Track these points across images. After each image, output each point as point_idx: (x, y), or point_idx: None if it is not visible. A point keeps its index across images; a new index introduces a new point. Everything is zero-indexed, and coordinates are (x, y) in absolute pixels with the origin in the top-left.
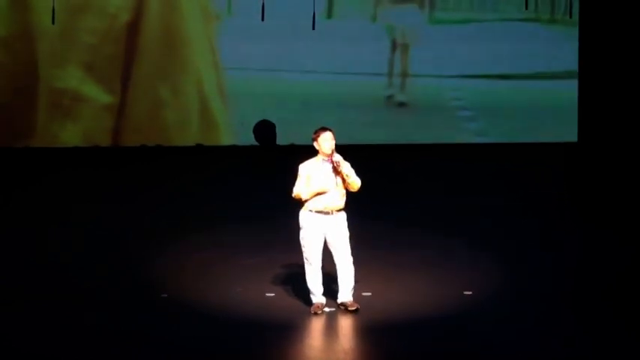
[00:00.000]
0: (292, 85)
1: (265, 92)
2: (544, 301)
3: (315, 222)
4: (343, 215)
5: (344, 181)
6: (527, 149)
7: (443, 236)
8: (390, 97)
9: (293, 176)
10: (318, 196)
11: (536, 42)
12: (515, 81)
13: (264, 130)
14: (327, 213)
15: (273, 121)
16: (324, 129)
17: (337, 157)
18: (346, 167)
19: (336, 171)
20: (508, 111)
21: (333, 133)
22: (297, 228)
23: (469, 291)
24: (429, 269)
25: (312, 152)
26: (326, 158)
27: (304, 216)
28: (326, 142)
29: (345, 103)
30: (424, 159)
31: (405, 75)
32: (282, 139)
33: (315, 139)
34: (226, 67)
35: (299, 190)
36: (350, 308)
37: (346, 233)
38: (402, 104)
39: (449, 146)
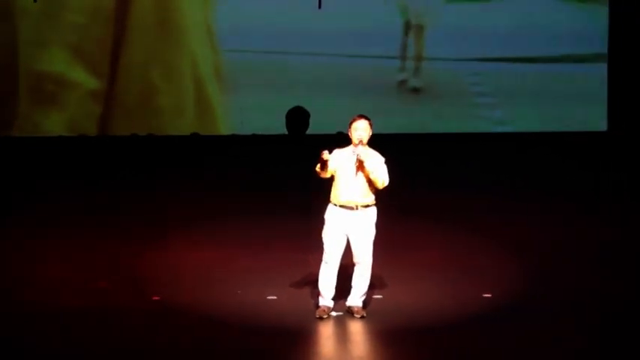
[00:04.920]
0: (296, 69)
1: (266, 76)
2: (566, 304)
3: (339, 217)
4: (370, 212)
5: (367, 176)
6: (552, 139)
7: (461, 234)
8: (402, 83)
9: (298, 166)
10: (340, 189)
11: (563, 22)
12: (539, 64)
13: (298, 116)
14: (350, 208)
15: (273, 108)
16: (360, 117)
17: (360, 151)
18: (371, 162)
19: (359, 165)
20: (532, 97)
21: (370, 123)
22: (299, 227)
23: (488, 293)
24: (446, 270)
25: (320, 140)
26: (354, 149)
27: (329, 210)
28: (356, 130)
29: (354, 89)
30: (440, 150)
31: (419, 58)
32: (284, 127)
33: (349, 125)
34: (224, 49)
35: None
36: (356, 315)
37: (370, 232)
38: (415, 90)
39: (467, 136)
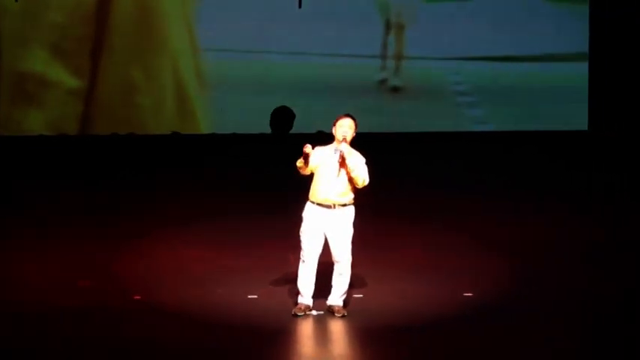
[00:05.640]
0: (276, 69)
1: (246, 76)
2: (546, 303)
3: (316, 215)
4: (348, 211)
5: (349, 174)
6: (532, 138)
7: (444, 234)
8: (383, 82)
9: (280, 165)
10: (319, 186)
11: (544, 21)
12: (520, 64)
13: (283, 116)
14: (328, 206)
15: (253, 108)
16: (346, 115)
17: (344, 148)
18: (353, 160)
19: (341, 162)
20: (512, 96)
21: (355, 122)
22: (282, 226)
23: (469, 292)
24: (429, 270)
25: (302, 140)
26: (338, 146)
27: (307, 207)
28: (341, 127)
29: (334, 88)
30: (420, 149)
31: (399, 57)
32: (263, 127)
33: (333, 124)
34: (204, 49)
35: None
36: (337, 314)
37: (348, 231)
38: (396, 89)
39: (447, 135)
